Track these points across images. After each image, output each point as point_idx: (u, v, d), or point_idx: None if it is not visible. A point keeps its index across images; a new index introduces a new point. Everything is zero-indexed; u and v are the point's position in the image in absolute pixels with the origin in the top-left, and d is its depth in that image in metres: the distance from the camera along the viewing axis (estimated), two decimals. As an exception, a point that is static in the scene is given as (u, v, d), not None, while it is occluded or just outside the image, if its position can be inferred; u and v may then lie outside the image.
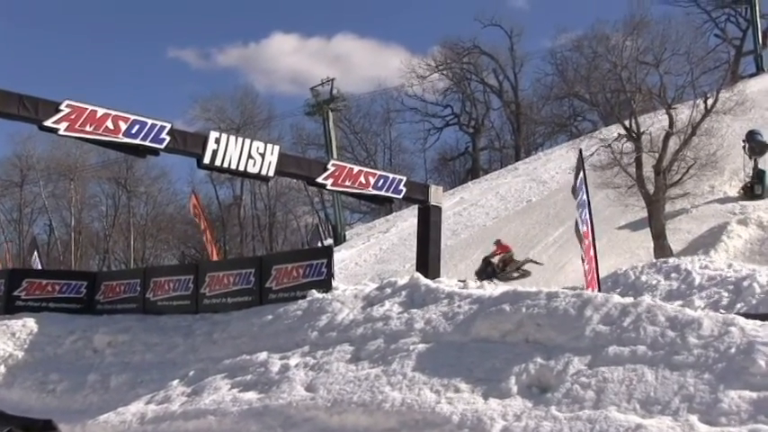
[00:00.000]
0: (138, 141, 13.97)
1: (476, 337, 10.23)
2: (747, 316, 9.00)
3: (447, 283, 12.58)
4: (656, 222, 29.56)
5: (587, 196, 14.19)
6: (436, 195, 18.22)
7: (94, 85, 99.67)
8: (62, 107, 13.29)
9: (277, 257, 15.53)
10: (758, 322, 8.43)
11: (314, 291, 13.51)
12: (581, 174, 15.00)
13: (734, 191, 35.26)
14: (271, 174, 15.54)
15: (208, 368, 12.51)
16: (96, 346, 15.43)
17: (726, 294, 16.75)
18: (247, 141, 15.23)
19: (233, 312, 14.67)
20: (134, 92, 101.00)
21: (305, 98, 72.14)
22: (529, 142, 77.66)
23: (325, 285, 13.70)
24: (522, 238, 37.10)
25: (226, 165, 14.91)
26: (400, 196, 17.67)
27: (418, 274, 12.95)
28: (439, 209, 18.35)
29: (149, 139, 14.04)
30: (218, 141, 14.76)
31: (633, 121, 30.44)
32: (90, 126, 13.52)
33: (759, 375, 7.62)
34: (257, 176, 15.86)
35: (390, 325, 11.28)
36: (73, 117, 13.38)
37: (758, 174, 34.42)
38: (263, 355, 11.96)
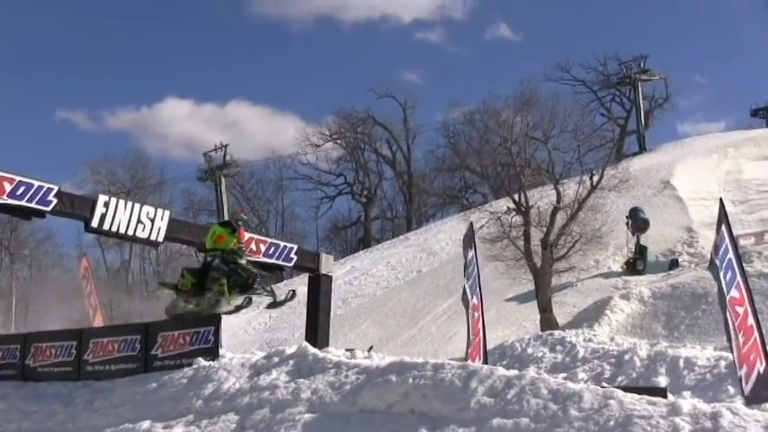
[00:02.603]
0: (23, 203, 13.69)
1: (362, 408, 10.24)
2: (627, 389, 9.22)
3: (335, 352, 12.58)
4: (542, 295, 30.10)
5: (477, 269, 14.39)
6: (327, 264, 18.27)
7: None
8: (-56, 166, 12.96)
9: (164, 324, 15.26)
10: (636, 396, 8.66)
11: (200, 359, 13.34)
12: (472, 246, 15.19)
13: (617, 266, 36.25)
14: (160, 239, 15.39)
15: (87, 437, 12.16)
16: (-31, 415, 14.78)
17: (608, 367, 17.15)
18: (137, 206, 15.07)
19: (117, 380, 14.29)
20: (21, 153, 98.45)
21: (198, 163, 71.67)
22: (420, 213, 78.71)
23: (212, 353, 13.52)
24: (411, 309, 37.33)
25: (114, 229, 14.71)
26: (291, 264, 17.67)
27: (306, 344, 12.91)
28: (329, 278, 18.39)
29: (35, 201, 13.77)
30: (107, 205, 14.56)
31: (522, 195, 31.14)
32: (-27, 186, 13.20)
33: (636, 448, 7.81)
34: (146, 241, 15.68)
35: (277, 394, 11.20)
36: (-45, 177, 13.06)
37: (640, 250, 35.54)
38: (145, 424, 11.69)
